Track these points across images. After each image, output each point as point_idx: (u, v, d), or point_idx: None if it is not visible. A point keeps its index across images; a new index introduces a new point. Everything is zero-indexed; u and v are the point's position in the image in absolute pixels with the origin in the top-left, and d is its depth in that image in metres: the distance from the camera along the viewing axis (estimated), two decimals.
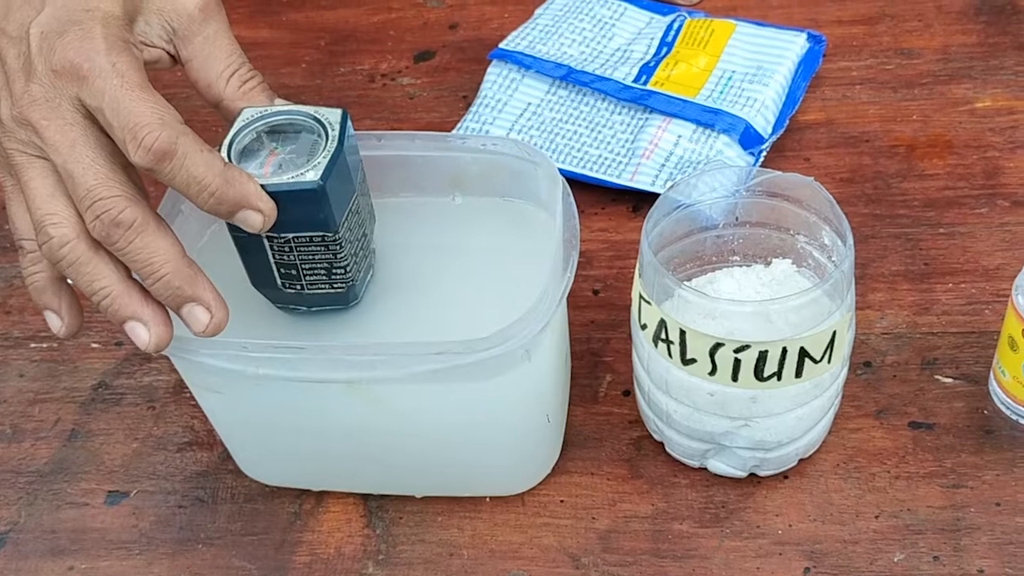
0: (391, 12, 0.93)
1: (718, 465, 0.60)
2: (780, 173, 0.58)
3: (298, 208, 0.52)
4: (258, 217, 0.51)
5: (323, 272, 0.55)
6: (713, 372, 0.55)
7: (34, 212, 0.50)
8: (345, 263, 0.55)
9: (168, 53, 0.54)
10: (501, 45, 0.83)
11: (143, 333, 0.51)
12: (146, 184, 0.52)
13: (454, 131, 0.80)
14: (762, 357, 0.53)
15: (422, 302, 0.59)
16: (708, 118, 0.76)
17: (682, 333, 0.54)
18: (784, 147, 0.78)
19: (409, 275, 0.60)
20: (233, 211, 0.50)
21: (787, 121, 0.77)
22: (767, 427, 0.57)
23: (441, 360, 0.52)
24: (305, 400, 0.56)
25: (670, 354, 0.55)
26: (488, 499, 0.62)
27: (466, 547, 0.60)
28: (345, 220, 0.54)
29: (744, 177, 0.59)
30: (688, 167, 0.74)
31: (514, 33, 0.84)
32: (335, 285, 0.56)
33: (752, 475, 0.61)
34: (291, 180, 0.51)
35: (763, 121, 0.76)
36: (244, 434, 0.62)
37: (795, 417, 0.57)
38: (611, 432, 0.64)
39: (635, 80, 0.79)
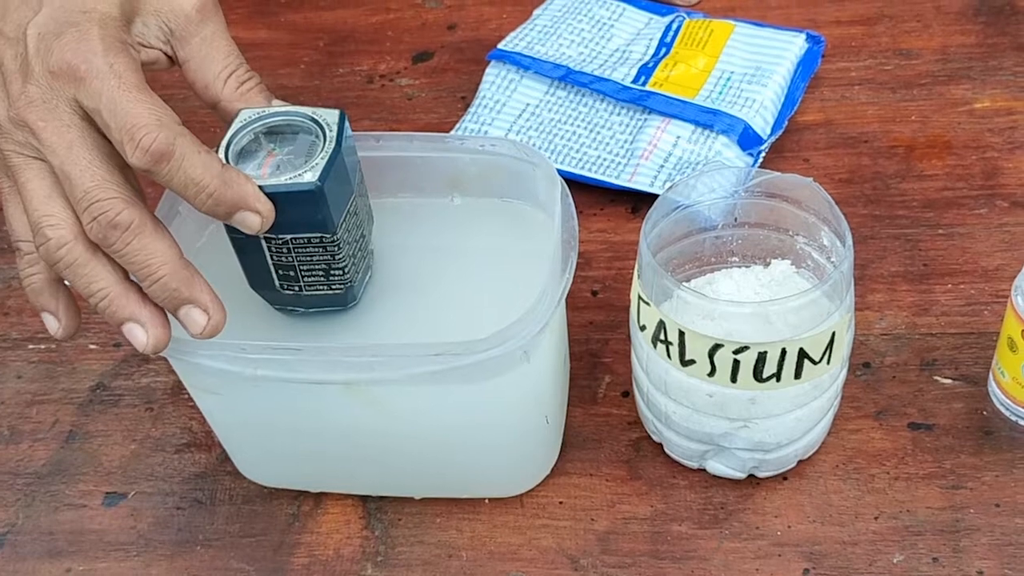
0: (389, 13, 0.93)
1: (717, 466, 0.60)
2: (779, 174, 0.58)
3: (296, 209, 0.52)
4: (256, 218, 0.51)
5: (321, 273, 0.55)
6: (712, 373, 0.55)
7: (31, 214, 0.50)
8: (343, 264, 0.55)
9: (165, 54, 0.54)
10: (500, 46, 0.83)
11: (141, 335, 0.51)
12: (143, 185, 0.52)
13: (452, 132, 0.80)
14: (761, 358, 0.53)
15: (420, 303, 0.59)
16: (707, 119, 0.76)
17: (681, 334, 0.54)
18: (783, 148, 0.77)
19: (407, 276, 0.60)
20: (231, 212, 0.50)
21: (786, 122, 0.77)
22: (766, 428, 0.57)
23: (439, 361, 0.52)
24: (303, 401, 0.56)
25: (669, 355, 0.55)
26: (487, 500, 0.62)
27: (465, 548, 0.60)
28: (343, 221, 0.54)
29: (743, 178, 0.59)
30: (687, 168, 0.74)
31: (513, 34, 0.84)
32: (333, 286, 0.56)
33: (751, 476, 0.61)
34: (289, 181, 0.51)
35: (762, 122, 0.76)
36: (242, 435, 0.62)
37: (794, 418, 0.57)
38: (610, 433, 0.64)
39: (634, 81, 0.79)
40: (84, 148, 0.49)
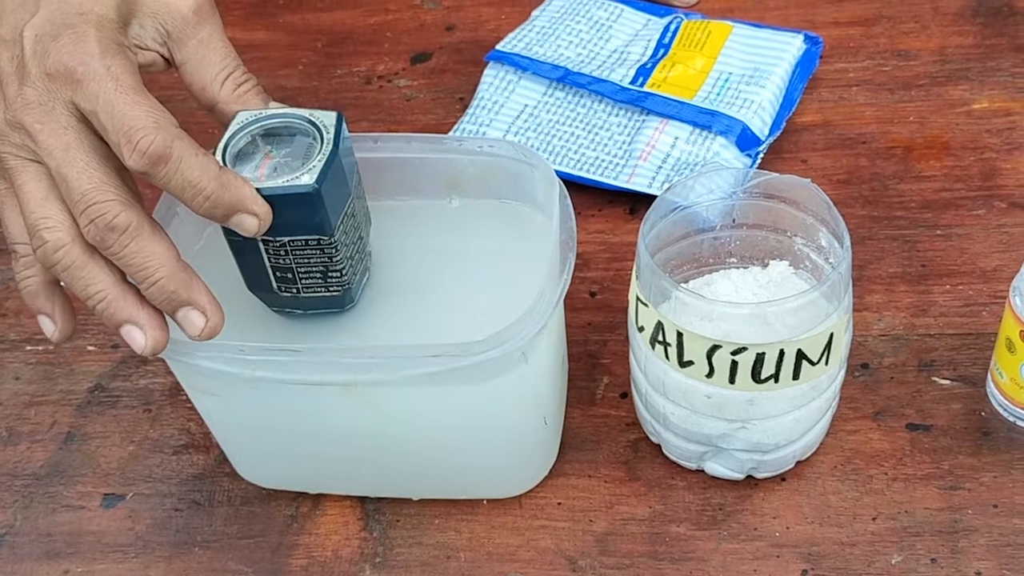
0: (388, 14, 0.93)
1: (715, 467, 0.60)
2: (777, 175, 0.58)
3: (293, 212, 0.52)
4: (253, 221, 0.51)
5: (319, 275, 0.55)
6: (710, 374, 0.55)
7: (28, 216, 0.50)
8: (341, 266, 0.55)
9: (162, 56, 0.54)
10: (498, 47, 0.83)
11: (139, 337, 0.51)
12: (141, 187, 0.52)
13: (451, 133, 0.80)
14: (759, 359, 0.53)
15: (418, 305, 0.59)
16: (705, 120, 0.76)
17: (679, 335, 0.54)
18: (781, 149, 0.77)
19: (405, 278, 0.60)
20: (228, 215, 0.50)
21: (784, 123, 0.77)
22: (764, 429, 0.57)
23: (438, 363, 0.52)
24: (301, 403, 0.56)
25: (667, 356, 0.55)
26: (485, 502, 0.62)
27: (463, 549, 0.60)
28: (341, 223, 0.54)
29: (741, 179, 0.59)
30: (685, 169, 0.74)
31: (511, 35, 0.84)
32: (331, 288, 0.56)
33: (749, 477, 0.61)
34: (286, 184, 0.51)
35: (760, 123, 0.76)
36: (240, 437, 0.62)
37: (792, 419, 0.57)
38: (608, 434, 0.64)
39: (632, 82, 0.79)
40: (81, 150, 0.49)
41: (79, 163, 0.48)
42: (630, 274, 0.58)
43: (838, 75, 0.82)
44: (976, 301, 0.67)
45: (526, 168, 0.60)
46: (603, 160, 0.76)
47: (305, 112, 0.54)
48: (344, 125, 0.54)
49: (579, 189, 0.74)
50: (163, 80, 0.56)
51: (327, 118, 0.54)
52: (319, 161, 0.52)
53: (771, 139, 0.76)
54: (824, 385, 0.57)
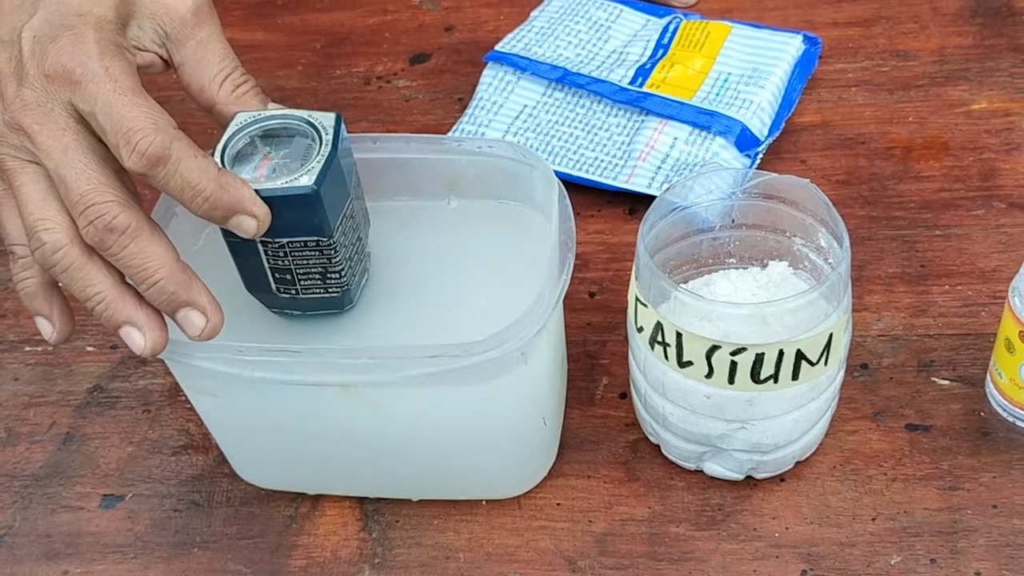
0: (386, 14, 0.93)
1: (715, 468, 0.60)
2: (776, 175, 0.58)
3: (292, 213, 0.52)
4: (252, 222, 0.51)
5: (318, 276, 0.55)
6: (709, 375, 0.55)
7: (26, 218, 0.50)
8: (340, 267, 0.55)
9: (161, 57, 0.54)
10: (497, 47, 0.83)
11: (138, 338, 0.51)
12: (139, 188, 0.52)
13: (450, 133, 0.80)
14: (758, 359, 0.53)
15: (418, 305, 0.59)
16: (704, 120, 0.76)
17: (678, 336, 0.54)
18: (780, 149, 0.78)
19: (404, 278, 0.60)
20: (227, 216, 0.50)
21: (783, 123, 0.77)
22: (764, 430, 0.57)
23: (437, 363, 0.52)
24: (301, 403, 0.56)
25: (666, 357, 0.55)
26: (484, 502, 0.62)
27: (462, 550, 0.60)
28: (340, 224, 0.54)
29: (740, 179, 0.59)
30: (684, 169, 0.74)
31: (510, 35, 0.84)
32: (330, 289, 0.56)
33: (749, 478, 0.61)
34: (285, 185, 0.51)
35: (759, 123, 0.76)
36: (239, 437, 0.62)
37: (792, 419, 0.57)
38: (607, 435, 0.64)
39: (631, 82, 0.79)
40: (80, 151, 0.49)
41: (78, 164, 0.48)
42: (629, 274, 0.58)
43: (837, 75, 0.82)
44: (975, 301, 0.67)
45: (525, 168, 0.60)
46: (602, 160, 0.76)
47: (304, 113, 0.54)
48: (343, 126, 0.54)
49: (578, 189, 0.74)
50: (161, 81, 0.56)
51: (326, 119, 0.54)
52: (318, 162, 0.52)
53: (770, 139, 0.76)
54: (823, 385, 0.57)
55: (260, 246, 0.54)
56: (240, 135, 0.53)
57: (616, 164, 0.76)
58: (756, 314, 0.54)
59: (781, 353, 0.53)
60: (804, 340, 0.53)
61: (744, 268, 0.61)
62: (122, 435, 0.67)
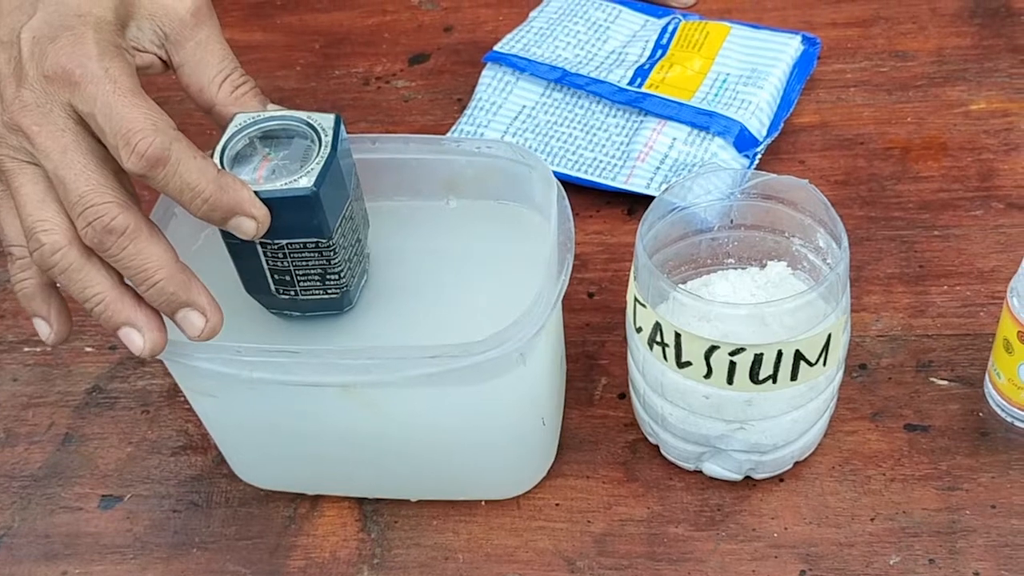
0: (385, 15, 0.93)
1: (713, 468, 0.60)
2: (775, 176, 0.58)
3: (292, 215, 0.52)
4: (251, 224, 0.51)
5: (317, 278, 0.55)
6: (708, 375, 0.55)
7: (25, 219, 0.50)
8: (339, 269, 0.55)
9: (160, 58, 0.54)
10: (496, 48, 0.83)
11: (137, 339, 0.51)
12: (138, 189, 0.52)
13: (449, 134, 0.80)
14: (757, 360, 0.53)
15: (417, 306, 0.59)
16: (703, 121, 0.76)
17: (677, 336, 0.54)
18: (779, 150, 0.78)
19: (403, 279, 0.60)
20: (226, 218, 0.50)
21: (782, 124, 0.77)
22: (762, 430, 0.57)
23: (436, 364, 0.52)
24: (300, 404, 0.56)
25: (665, 357, 0.55)
26: (483, 503, 0.62)
27: (461, 551, 0.60)
28: (339, 226, 0.54)
29: (739, 180, 0.59)
30: (683, 170, 0.74)
31: (509, 36, 0.84)
32: (329, 291, 0.56)
33: (747, 478, 0.61)
34: (285, 187, 0.51)
35: (758, 124, 0.76)
36: (238, 438, 0.62)
37: (790, 420, 0.57)
38: (606, 435, 0.64)
39: (630, 83, 0.79)
40: (79, 152, 0.49)
41: (77, 165, 0.48)
42: (628, 275, 0.58)
43: (836, 76, 0.82)
44: (974, 302, 0.68)
45: (524, 169, 0.60)
46: (601, 161, 0.76)
47: (303, 115, 0.54)
48: (343, 127, 0.54)
49: (577, 190, 0.74)
50: (161, 82, 0.56)
51: (325, 120, 0.54)
52: (317, 164, 0.52)
53: (769, 140, 0.76)
54: (822, 386, 0.57)
55: (259, 247, 0.54)
56: (239, 136, 0.53)
57: (615, 164, 0.76)
58: (755, 314, 0.54)
59: (780, 353, 0.53)
60: (803, 340, 0.53)
61: (743, 268, 0.61)
62: (121, 436, 0.67)
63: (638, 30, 0.84)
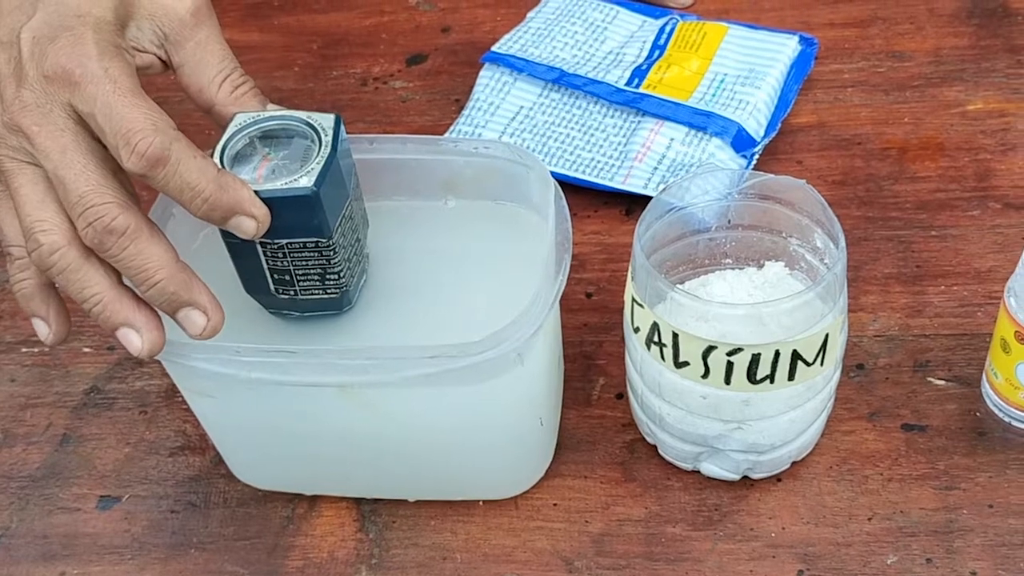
0: (383, 15, 0.93)
1: (711, 468, 0.60)
2: (772, 176, 0.58)
3: (292, 214, 0.52)
4: (251, 223, 0.51)
5: (317, 278, 0.55)
6: (706, 375, 0.55)
7: (24, 219, 0.50)
8: (339, 269, 0.55)
9: (160, 58, 0.54)
10: (493, 48, 0.83)
11: (136, 339, 0.51)
12: (138, 189, 0.52)
13: (446, 134, 0.80)
14: (755, 360, 0.53)
15: (415, 306, 0.59)
16: (700, 121, 0.76)
17: (675, 336, 0.54)
18: (776, 150, 0.78)
19: (402, 279, 0.60)
20: (226, 217, 0.50)
21: (779, 124, 0.77)
22: (760, 430, 0.57)
23: (434, 364, 0.52)
24: (298, 404, 0.56)
25: (663, 357, 0.55)
26: (481, 503, 0.62)
27: (459, 551, 0.60)
28: (339, 226, 0.54)
29: (736, 180, 0.59)
30: (680, 170, 0.74)
31: (506, 36, 0.84)
32: (329, 291, 0.56)
33: (745, 478, 0.61)
34: (285, 186, 0.51)
35: (755, 124, 0.76)
36: (236, 438, 0.62)
37: (788, 420, 0.57)
38: (604, 435, 0.64)
39: (627, 83, 0.79)
40: (78, 153, 0.49)
41: (76, 165, 0.48)
42: (626, 275, 0.58)
43: (833, 76, 0.82)
44: (971, 302, 0.68)
45: (522, 169, 0.60)
46: (599, 161, 0.76)
47: (303, 114, 0.54)
48: (342, 128, 0.54)
49: (575, 190, 0.74)
50: (160, 82, 0.56)
51: (325, 120, 0.54)
52: (317, 164, 0.52)
53: (766, 140, 0.76)
54: (819, 386, 0.57)
55: (259, 247, 0.54)
56: (239, 136, 0.53)
57: (612, 165, 0.76)
58: (752, 314, 0.54)
59: (777, 353, 0.53)
60: (800, 340, 0.53)
61: (740, 268, 0.61)
62: (119, 436, 0.67)
63: (636, 30, 0.84)
